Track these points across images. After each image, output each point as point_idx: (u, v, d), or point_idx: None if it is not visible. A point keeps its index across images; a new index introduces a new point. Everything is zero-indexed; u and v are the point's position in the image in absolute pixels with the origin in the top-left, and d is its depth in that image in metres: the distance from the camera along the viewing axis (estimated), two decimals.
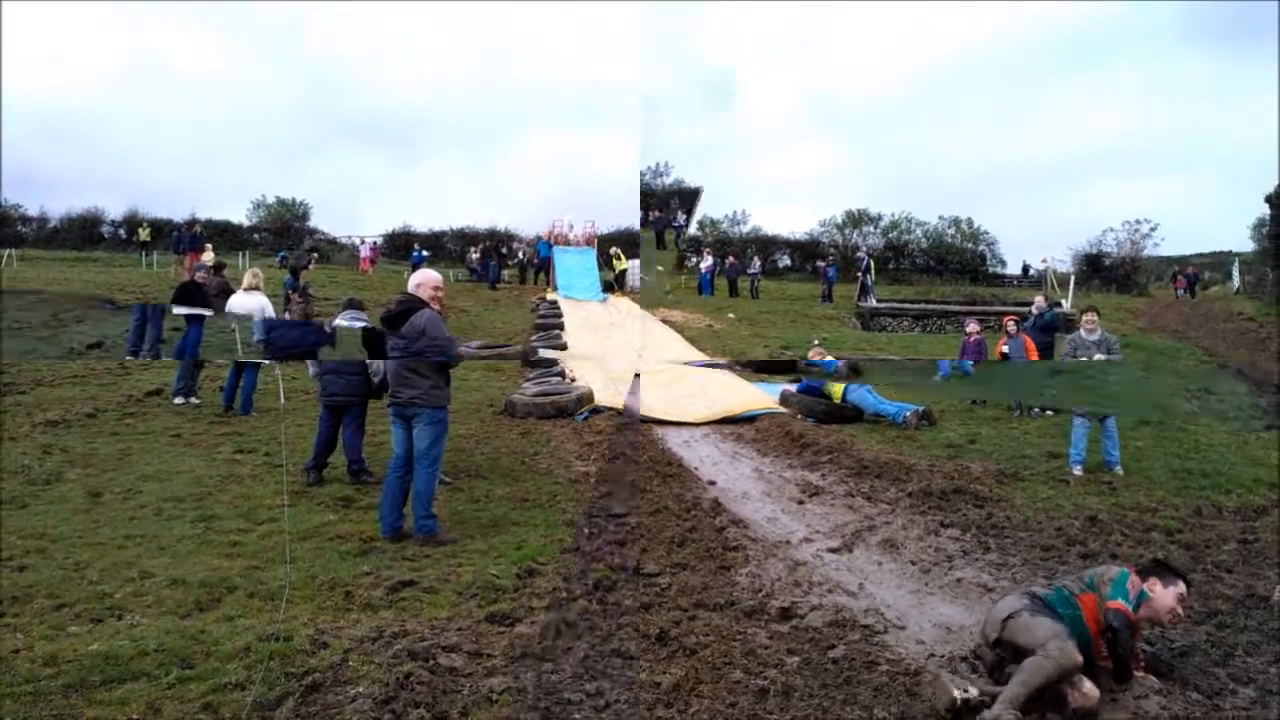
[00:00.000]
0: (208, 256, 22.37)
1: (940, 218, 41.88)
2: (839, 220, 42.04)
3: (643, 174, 41.60)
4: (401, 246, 36.91)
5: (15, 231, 37.26)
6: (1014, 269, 40.03)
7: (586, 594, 4.99)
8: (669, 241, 32.63)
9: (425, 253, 32.59)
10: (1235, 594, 5.19)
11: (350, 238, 38.85)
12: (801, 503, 7.49)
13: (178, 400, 10.30)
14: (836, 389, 11.70)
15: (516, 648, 4.37)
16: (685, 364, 13.53)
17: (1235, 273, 36.53)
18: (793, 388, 12.13)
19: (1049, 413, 11.24)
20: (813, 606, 4.92)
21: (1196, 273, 35.55)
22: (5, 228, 36.75)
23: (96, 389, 10.77)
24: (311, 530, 6.30)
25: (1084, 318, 9.62)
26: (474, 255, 32.98)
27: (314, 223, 42.30)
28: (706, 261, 31.06)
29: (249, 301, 10.60)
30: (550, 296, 25.62)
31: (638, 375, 13.48)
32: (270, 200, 42.95)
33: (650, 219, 33.58)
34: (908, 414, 10.73)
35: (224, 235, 35.47)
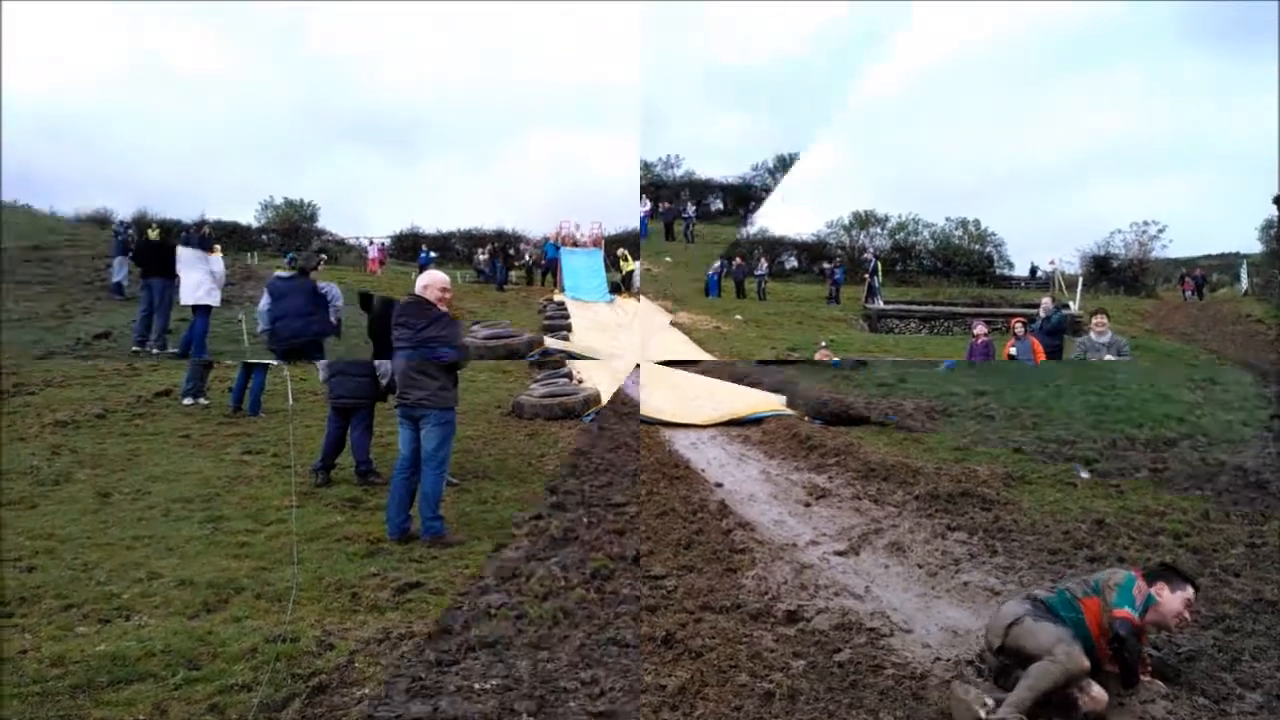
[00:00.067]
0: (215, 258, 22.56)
1: (948, 219, 41.71)
2: (846, 221, 41.95)
3: (653, 165, 41.63)
4: (409, 248, 36.86)
5: None
6: (1021, 270, 39.93)
7: (584, 583, 5.05)
8: (678, 233, 32.58)
9: (433, 254, 32.57)
10: (1243, 598, 5.17)
11: (358, 239, 38.85)
12: (808, 505, 7.48)
13: (186, 401, 10.32)
14: None
15: (506, 569, 4.86)
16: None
17: (1243, 275, 36.34)
18: None
19: None
20: (819, 609, 4.92)
21: (1204, 274, 35.38)
22: None
23: (106, 390, 10.81)
24: (319, 531, 6.33)
25: (1094, 320, 9.62)
26: (482, 256, 32.97)
27: (322, 223, 42.34)
28: (714, 263, 31.09)
29: (196, 259, 10.69)
30: (558, 298, 25.63)
31: (639, 368, 13.58)
32: (278, 201, 43.01)
33: (660, 210, 33.54)
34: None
35: (232, 236, 35.42)
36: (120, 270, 15.04)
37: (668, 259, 25.18)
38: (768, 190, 40.00)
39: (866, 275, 29.99)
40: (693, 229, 31.70)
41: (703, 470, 8.77)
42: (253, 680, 3.91)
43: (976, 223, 41.84)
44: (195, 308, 10.68)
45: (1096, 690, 3.69)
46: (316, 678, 3.96)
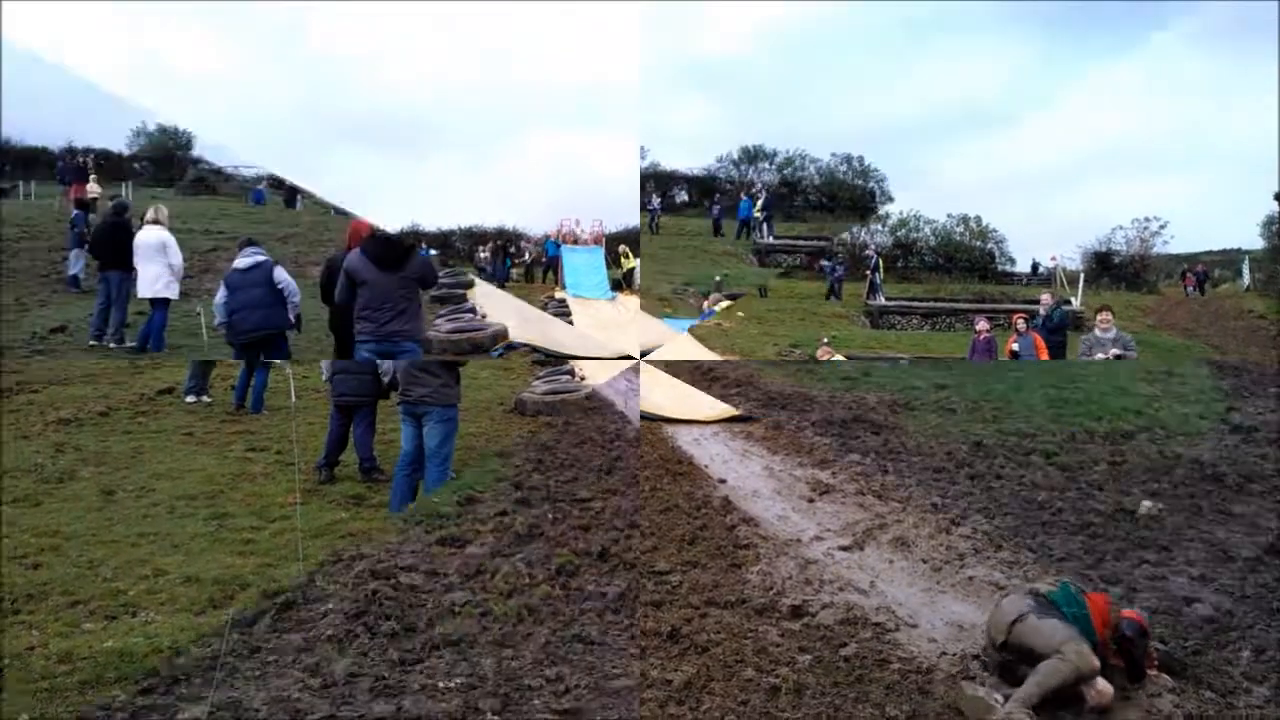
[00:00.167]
0: (92, 187, 21.69)
1: (949, 215, 41.67)
2: (735, 156, 41.96)
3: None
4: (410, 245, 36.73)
5: None
6: (1023, 267, 39.91)
7: (549, 580, 5.02)
8: (643, 225, 32.61)
9: (433, 251, 32.59)
10: (1105, 509, 6.14)
11: (236, 168, 38.12)
12: (812, 501, 7.47)
13: (189, 399, 10.28)
14: None
15: (470, 566, 4.75)
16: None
17: (1245, 270, 36.41)
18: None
19: None
20: (824, 604, 4.94)
21: (1206, 270, 35.41)
22: None
23: (109, 387, 10.78)
24: (323, 528, 6.33)
25: (1098, 317, 9.74)
26: (483, 254, 32.99)
27: (198, 151, 40.75)
28: None
29: (149, 238, 10.44)
30: (559, 295, 25.63)
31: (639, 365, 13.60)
32: (151, 128, 41.31)
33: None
34: None
35: (103, 165, 33.69)
36: (76, 263, 14.64)
37: (739, 314, 25.22)
38: (733, 181, 39.98)
39: (869, 271, 30.06)
40: (658, 221, 31.76)
41: (706, 466, 8.75)
42: None
43: (978, 219, 41.84)
44: (153, 300, 10.55)
45: (1103, 684, 3.70)
46: (282, 595, 4.25)
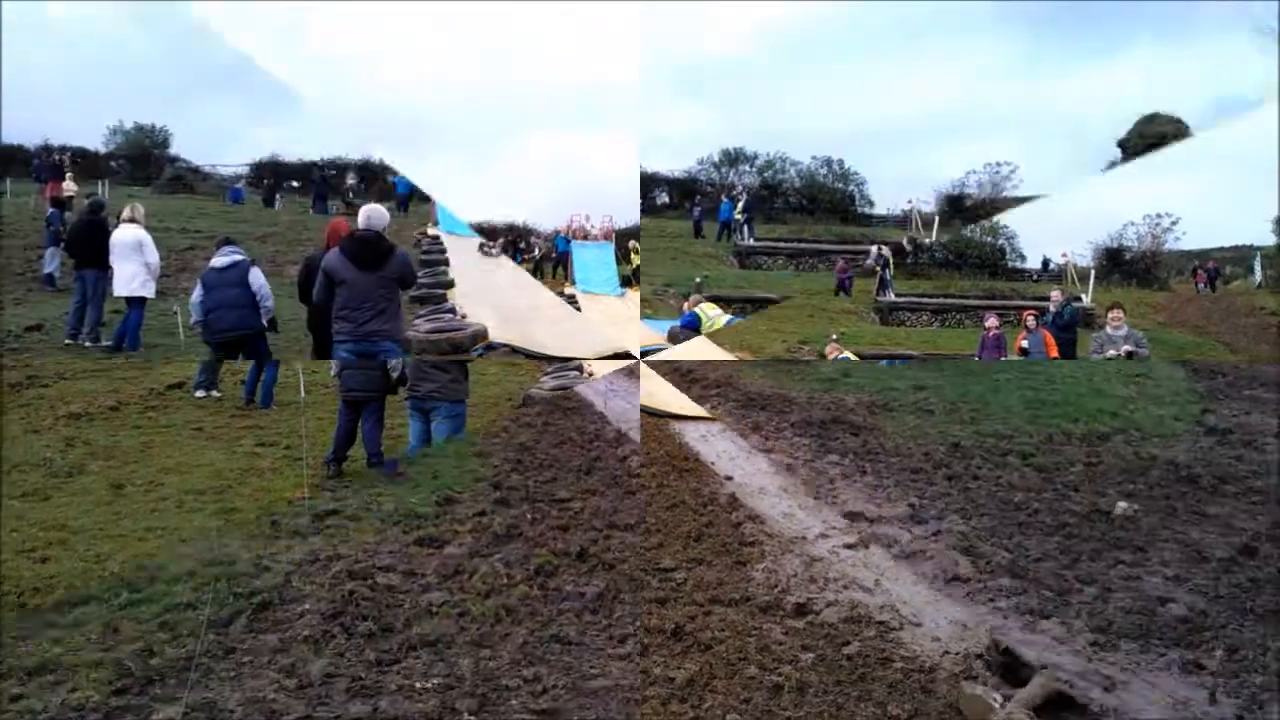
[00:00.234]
0: (68, 185, 21.46)
1: (813, 158, 41.71)
2: (715, 159, 41.77)
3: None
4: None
5: None
6: (1034, 263, 39.72)
7: (527, 580, 4.99)
8: None
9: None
10: (1081, 509, 6.25)
11: (213, 166, 37.87)
12: (818, 498, 7.56)
13: (199, 393, 10.32)
14: (717, 325, 12.24)
15: (448, 567, 4.74)
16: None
17: (1257, 267, 36.14)
18: (677, 323, 12.64)
19: None
20: (828, 602, 4.96)
21: (1218, 267, 35.19)
22: None
23: (119, 382, 10.87)
24: None
25: (1110, 315, 9.82)
26: (494, 251, 33.03)
27: (175, 149, 40.21)
28: None
29: (126, 236, 10.46)
30: (569, 290, 25.67)
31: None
32: (128, 126, 40.72)
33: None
34: None
35: (79, 163, 33.41)
36: (52, 261, 14.61)
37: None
38: (713, 184, 39.89)
39: (878, 268, 30.01)
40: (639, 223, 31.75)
41: (713, 463, 8.75)
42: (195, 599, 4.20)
43: (840, 162, 41.66)
44: (130, 299, 10.55)
45: None
46: (258, 596, 4.23)
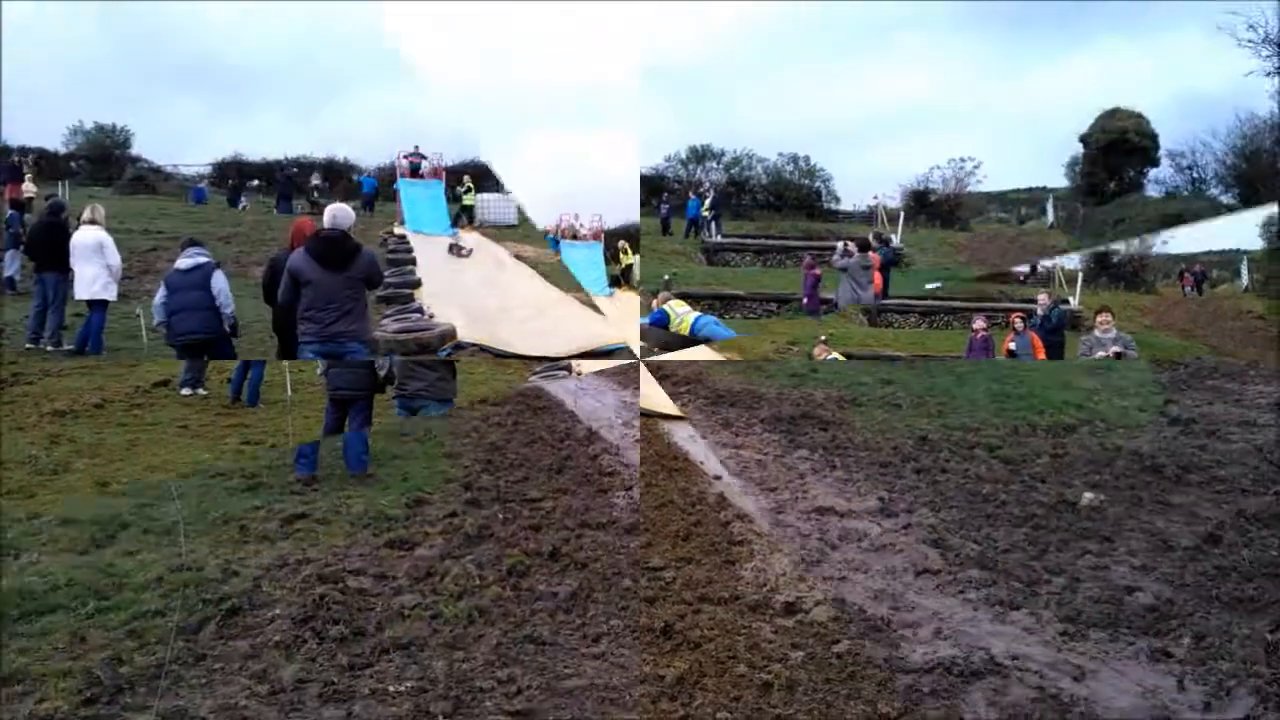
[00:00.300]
0: (27, 187, 21.80)
1: (779, 154, 41.85)
2: (683, 156, 41.83)
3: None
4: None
5: None
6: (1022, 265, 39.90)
7: (500, 581, 4.97)
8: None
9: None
10: (1048, 500, 6.33)
11: (175, 166, 37.56)
12: (805, 497, 7.63)
13: (185, 391, 10.25)
14: (685, 322, 12.07)
15: (420, 569, 4.73)
16: None
17: (1244, 270, 36.39)
18: (645, 320, 12.59)
19: None
20: (817, 601, 4.97)
21: (1204, 270, 35.40)
22: None
23: (104, 379, 10.84)
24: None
25: (1098, 318, 10.05)
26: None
27: (136, 149, 39.63)
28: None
29: (87, 238, 10.30)
30: None
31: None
32: (88, 126, 40.07)
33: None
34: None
35: (40, 165, 32.94)
36: (12, 264, 14.25)
37: None
38: (680, 181, 39.95)
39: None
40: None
41: (701, 463, 8.82)
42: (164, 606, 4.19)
43: (807, 158, 41.81)
44: (91, 302, 10.38)
45: None
46: (227, 602, 4.22)
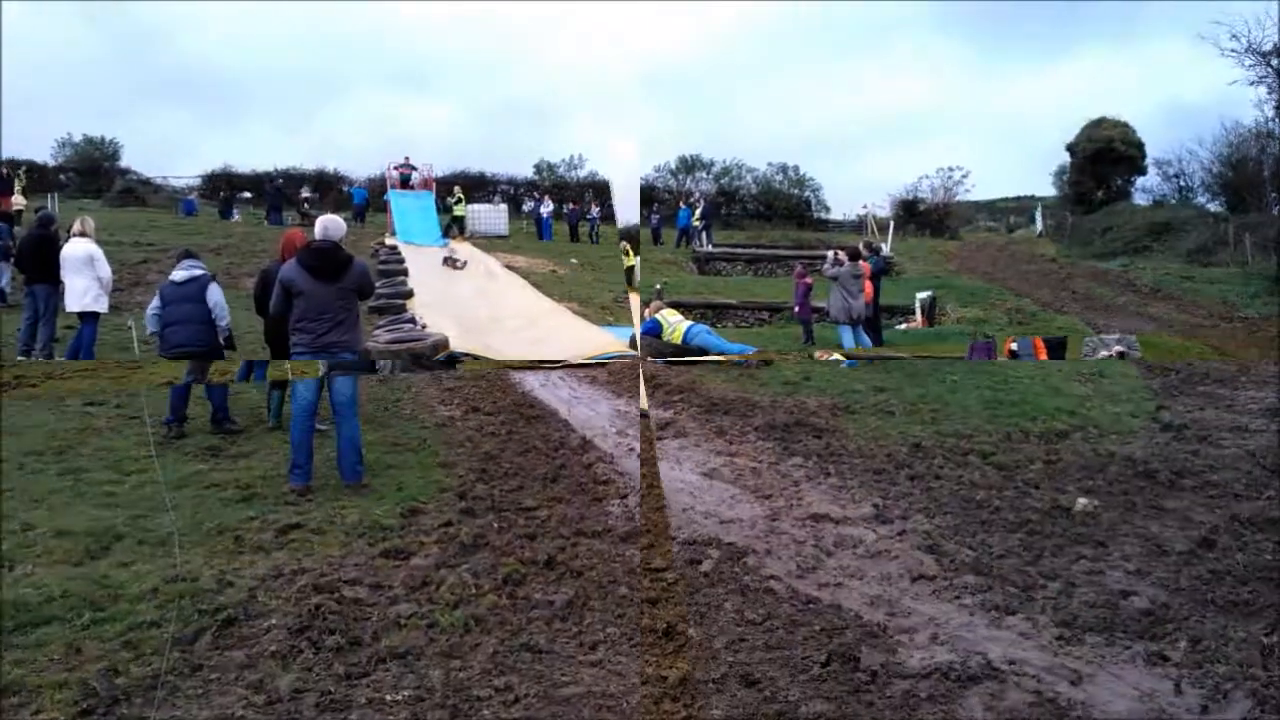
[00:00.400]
0: (17, 199, 21.75)
1: (769, 164, 42.75)
2: (673, 166, 42.32)
3: (556, 166, 43.41)
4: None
5: None
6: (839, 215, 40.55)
7: (495, 589, 4.96)
8: (584, 234, 32.56)
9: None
10: (1042, 506, 6.37)
11: (164, 178, 37.74)
12: (660, 439, 8.27)
13: (20, 358, 10.38)
14: (678, 331, 12.45)
15: (415, 578, 4.79)
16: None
17: (1038, 216, 39.23)
18: (639, 329, 12.94)
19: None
20: (678, 528, 5.91)
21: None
22: None
23: (106, 382, 10.59)
24: (185, 479, 6.62)
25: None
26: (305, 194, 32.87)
27: (125, 162, 39.76)
28: (546, 206, 32.40)
29: (77, 250, 10.38)
30: (389, 242, 25.57)
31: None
32: (77, 139, 39.77)
33: (565, 211, 34.07)
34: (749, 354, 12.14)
35: (31, 177, 32.81)
36: (2, 277, 14.61)
37: (573, 260, 25.54)
38: (671, 191, 40.30)
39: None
40: (597, 230, 32.16)
41: (557, 410, 9.37)
42: (159, 617, 4.11)
43: (796, 168, 42.61)
44: (82, 315, 10.42)
45: None
46: (223, 612, 4.19)
